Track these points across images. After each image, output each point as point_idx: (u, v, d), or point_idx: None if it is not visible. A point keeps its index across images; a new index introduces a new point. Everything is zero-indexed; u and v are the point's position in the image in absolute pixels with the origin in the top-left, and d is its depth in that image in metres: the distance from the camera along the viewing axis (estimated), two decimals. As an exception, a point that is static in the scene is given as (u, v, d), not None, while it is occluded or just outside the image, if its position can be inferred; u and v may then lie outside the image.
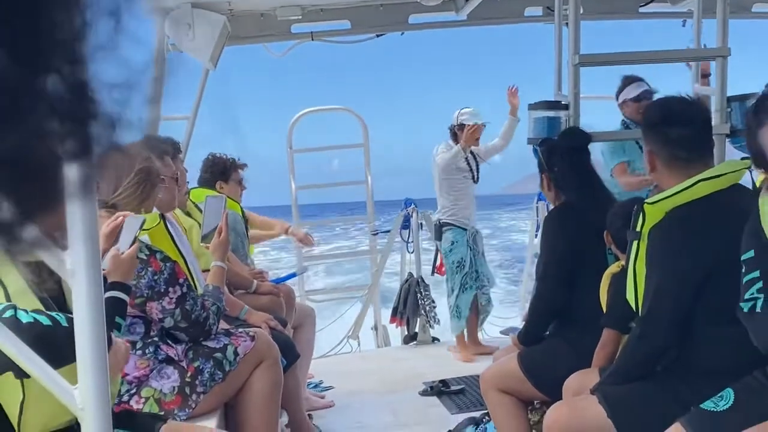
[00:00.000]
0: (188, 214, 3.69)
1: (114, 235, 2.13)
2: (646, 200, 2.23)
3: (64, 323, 1.63)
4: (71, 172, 0.40)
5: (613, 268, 2.71)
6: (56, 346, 1.45)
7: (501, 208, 46.04)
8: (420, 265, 5.91)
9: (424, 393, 4.47)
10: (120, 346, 1.88)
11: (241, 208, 4.53)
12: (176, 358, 2.59)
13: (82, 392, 1.28)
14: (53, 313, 1.67)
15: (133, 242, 2.13)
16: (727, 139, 3.43)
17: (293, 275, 5.36)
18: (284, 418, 3.38)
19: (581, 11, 3.42)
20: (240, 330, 2.90)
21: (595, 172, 3.11)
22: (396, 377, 4.89)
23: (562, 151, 3.03)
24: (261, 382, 2.75)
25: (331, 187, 7.98)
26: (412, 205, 6.06)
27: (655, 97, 4.25)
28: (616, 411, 2.16)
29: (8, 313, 1.61)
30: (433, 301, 5.71)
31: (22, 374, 1.53)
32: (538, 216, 5.57)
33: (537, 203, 5.63)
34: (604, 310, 2.67)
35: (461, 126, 5.21)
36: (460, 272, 5.23)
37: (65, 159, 0.38)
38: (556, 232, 2.97)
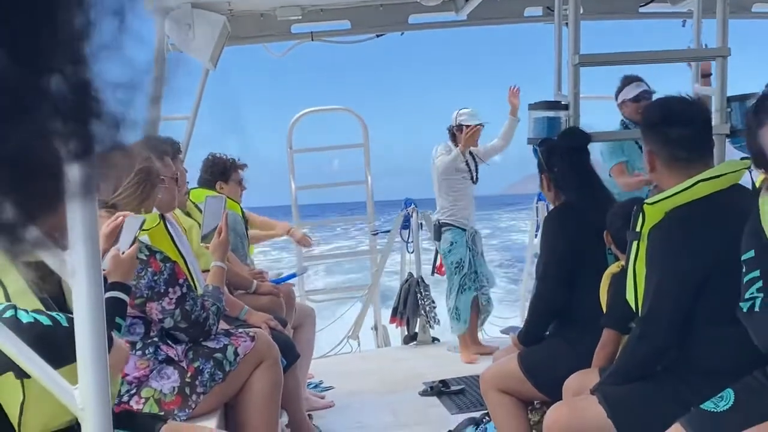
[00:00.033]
0: (188, 215, 3.69)
1: (114, 235, 2.13)
2: (645, 200, 2.23)
3: (65, 323, 1.63)
4: (72, 172, 0.40)
5: (613, 268, 2.71)
6: (57, 346, 1.45)
7: (501, 209, 46.03)
8: (420, 265, 5.91)
9: (424, 393, 4.47)
10: (120, 347, 1.88)
11: (241, 208, 4.53)
12: (176, 359, 2.59)
13: (83, 392, 1.28)
14: (53, 313, 1.67)
15: (133, 242, 2.13)
16: (727, 139, 3.43)
17: (293, 275, 5.36)
18: (284, 419, 3.38)
19: (581, 11, 3.42)
20: (240, 330, 2.90)
21: (594, 172, 3.11)
22: (396, 377, 4.89)
23: (562, 151, 3.03)
24: (261, 382, 2.75)
25: (331, 187, 7.99)
26: (412, 205, 6.06)
27: (654, 97, 4.25)
28: (617, 411, 2.16)
29: (8, 313, 1.61)
30: (433, 302, 5.71)
31: (22, 374, 1.53)
32: (538, 216, 5.57)
33: (537, 203, 5.63)
34: (604, 310, 2.67)
35: (460, 127, 5.22)
36: (459, 273, 5.23)
37: (68, 159, 0.38)
38: (556, 232, 2.97)
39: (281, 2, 4.21)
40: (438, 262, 5.64)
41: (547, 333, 3.01)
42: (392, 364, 5.31)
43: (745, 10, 4.61)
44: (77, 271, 1.22)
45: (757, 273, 1.82)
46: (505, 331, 4.85)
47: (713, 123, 2.62)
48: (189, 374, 2.57)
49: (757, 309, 1.81)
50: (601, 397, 2.20)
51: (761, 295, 1.80)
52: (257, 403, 2.75)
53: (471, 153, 5.28)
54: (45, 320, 1.63)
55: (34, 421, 1.68)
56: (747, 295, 1.83)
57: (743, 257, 1.86)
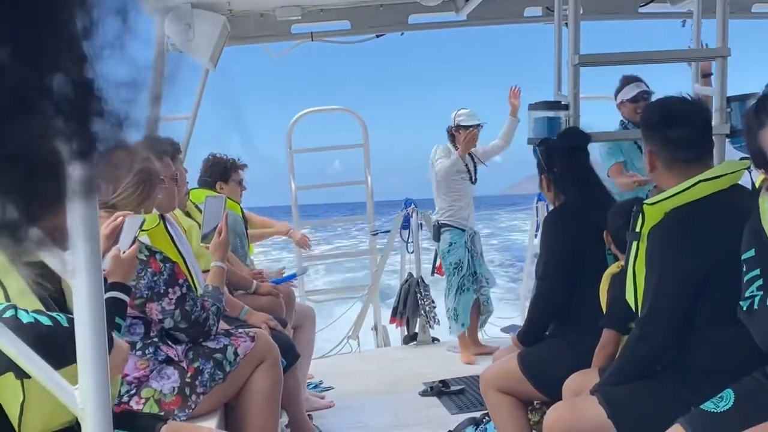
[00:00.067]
0: (188, 215, 3.69)
1: (114, 236, 2.13)
2: (645, 201, 2.23)
3: (65, 323, 1.63)
4: (74, 171, 0.40)
5: (613, 268, 2.72)
6: (57, 347, 1.44)
7: (501, 209, 46.04)
8: (420, 265, 5.91)
9: (424, 393, 4.47)
10: (121, 347, 1.88)
11: (241, 208, 4.54)
12: (176, 359, 2.59)
13: (83, 392, 1.28)
14: (54, 314, 1.67)
15: (133, 242, 2.13)
16: (727, 140, 3.43)
17: (293, 276, 5.37)
18: (284, 419, 3.38)
19: (581, 11, 3.42)
20: (240, 330, 2.90)
21: (594, 173, 3.11)
22: (396, 377, 4.89)
23: (562, 152, 3.03)
24: (261, 382, 2.75)
25: (331, 187, 7.99)
26: (412, 205, 6.06)
27: (654, 97, 4.25)
28: (616, 411, 2.16)
29: (9, 313, 1.60)
30: (433, 302, 5.71)
31: (22, 375, 1.53)
32: (537, 216, 5.57)
33: (537, 203, 5.63)
34: (604, 310, 2.67)
35: (458, 127, 5.22)
36: (457, 274, 5.24)
37: (70, 158, 0.38)
38: (556, 232, 2.97)
39: (281, 2, 4.21)
40: (438, 263, 5.64)
41: (547, 333, 3.01)
42: (392, 364, 5.31)
43: (745, 11, 4.61)
44: (77, 271, 1.22)
45: (757, 272, 1.82)
46: (506, 330, 4.85)
47: (713, 123, 2.62)
48: (189, 374, 2.57)
49: (756, 307, 1.81)
50: (601, 398, 2.20)
51: (761, 293, 1.80)
52: (257, 403, 2.75)
53: (470, 154, 5.28)
54: (45, 320, 1.63)
55: (35, 422, 1.68)
56: (747, 294, 1.83)
57: (743, 256, 1.86)
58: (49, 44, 0.36)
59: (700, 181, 2.11)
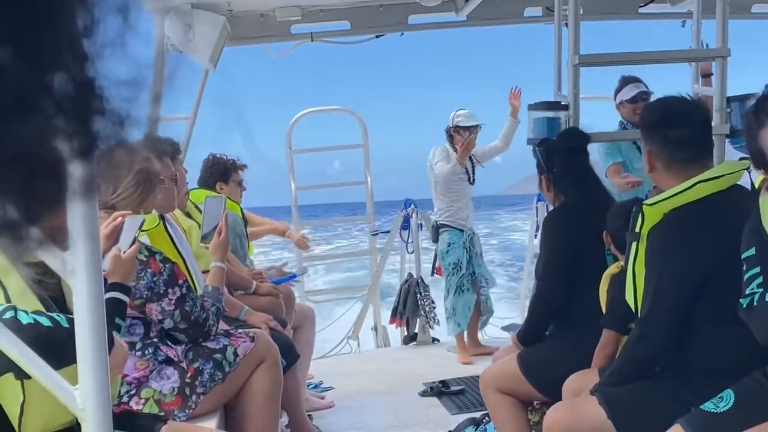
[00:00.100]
0: (188, 215, 3.69)
1: (114, 236, 2.13)
2: (644, 201, 2.23)
3: (65, 324, 1.63)
4: (74, 170, 0.40)
5: (613, 268, 2.72)
6: (57, 347, 1.44)
7: (501, 209, 46.04)
8: (420, 265, 5.91)
9: (424, 393, 4.47)
10: (120, 347, 1.88)
11: (241, 209, 4.53)
12: (176, 359, 2.59)
13: (83, 392, 1.28)
14: (54, 314, 1.67)
15: (133, 243, 2.13)
16: (726, 140, 3.43)
17: (293, 276, 5.37)
18: (284, 419, 3.38)
19: (581, 12, 3.42)
20: (240, 331, 2.90)
21: (594, 173, 3.11)
22: (396, 378, 4.89)
23: (561, 152, 3.03)
24: (261, 382, 2.75)
25: (331, 187, 8.00)
26: (412, 206, 6.06)
27: (652, 98, 4.25)
28: (616, 412, 2.16)
29: (8, 314, 1.60)
30: (433, 302, 5.71)
31: (22, 375, 1.53)
32: (537, 216, 5.58)
33: (537, 204, 5.63)
34: (604, 310, 2.67)
35: (457, 128, 5.22)
36: (456, 274, 5.23)
37: (71, 157, 0.38)
38: (556, 232, 2.97)
39: (281, 3, 4.21)
40: (438, 263, 5.64)
41: (547, 333, 3.01)
42: (392, 365, 5.31)
43: (745, 11, 4.61)
44: (77, 272, 1.22)
45: (757, 269, 1.82)
46: (506, 328, 4.85)
47: (713, 123, 2.62)
48: (189, 375, 2.57)
49: (756, 304, 1.80)
50: (601, 398, 2.20)
51: (761, 290, 1.80)
52: (257, 403, 2.75)
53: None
54: (45, 321, 1.63)
55: (35, 422, 1.68)
56: (747, 291, 1.83)
57: (744, 255, 1.86)
58: (50, 42, 0.36)
59: (699, 182, 2.11)
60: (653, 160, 2.27)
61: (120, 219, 2.16)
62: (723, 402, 1.89)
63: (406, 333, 5.84)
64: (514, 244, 21.54)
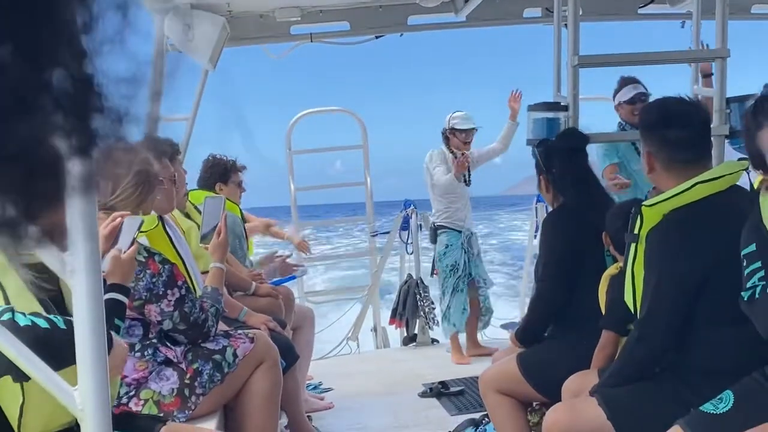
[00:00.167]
0: (187, 216, 3.69)
1: (113, 237, 2.13)
2: (643, 203, 2.23)
3: (62, 326, 1.62)
4: (73, 167, 0.40)
5: (612, 269, 2.72)
6: (54, 349, 1.44)
7: (501, 209, 46.04)
8: (419, 266, 5.91)
9: (423, 394, 4.47)
10: (120, 347, 1.87)
11: (240, 210, 4.53)
12: (175, 360, 2.58)
13: (82, 393, 1.28)
14: (51, 316, 1.67)
15: (132, 243, 2.13)
16: (726, 141, 3.43)
17: (293, 277, 5.37)
18: (284, 420, 3.38)
19: (580, 12, 3.42)
20: (239, 332, 2.90)
21: (593, 174, 3.11)
22: (395, 379, 4.89)
23: (561, 153, 3.03)
24: (260, 383, 2.75)
25: (331, 188, 8.00)
26: (412, 206, 6.06)
27: (651, 99, 4.25)
28: (616, 413, 2.16)
29: (6, 316, 1.60)
30: (432, 303, 5.71)
31: (20, 377, 1.53)
32: (537, 217, 5.58)
33: (536, 204, 5.64)
34: (603, 311, 2.67)
35: (453, 130, 5.22)
36: (453, 275, 5.23)
37: (70, 154, 0.38)
38: (555, 233, 2.97)
39: (280, 3, 4.21)
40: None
41: (547, 334, 3.01)
42: (392, 366, 5.31)
43: (745, 11, 4.61)
44: (77, 272, 1.22)
45: (758, 264, 1.82)
46: (505, 326, 4.84)
47: (713, 124, 2.62)
48: (188, 376, 2.57)
49: (757, 296, 1.80)
50: (601, 399, 2.20)
51: (762, 283, 1.80)
52: (257, 404, 2.74)
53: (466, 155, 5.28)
54: (42, 323, 1.62)
55: (34, 423, 1.68)
56: (748, 285, 1.83)
57: (744, 252, 1.86)
58: (50, 41, 0.36)
59: (698, 183, 2.11)
60: (652, 160, 2.27)
61: (119, 220, 2.16)
62: (722, 403, 1.89)
63: (405, 334, 5.84)
64: (513, 244, 21.52)
